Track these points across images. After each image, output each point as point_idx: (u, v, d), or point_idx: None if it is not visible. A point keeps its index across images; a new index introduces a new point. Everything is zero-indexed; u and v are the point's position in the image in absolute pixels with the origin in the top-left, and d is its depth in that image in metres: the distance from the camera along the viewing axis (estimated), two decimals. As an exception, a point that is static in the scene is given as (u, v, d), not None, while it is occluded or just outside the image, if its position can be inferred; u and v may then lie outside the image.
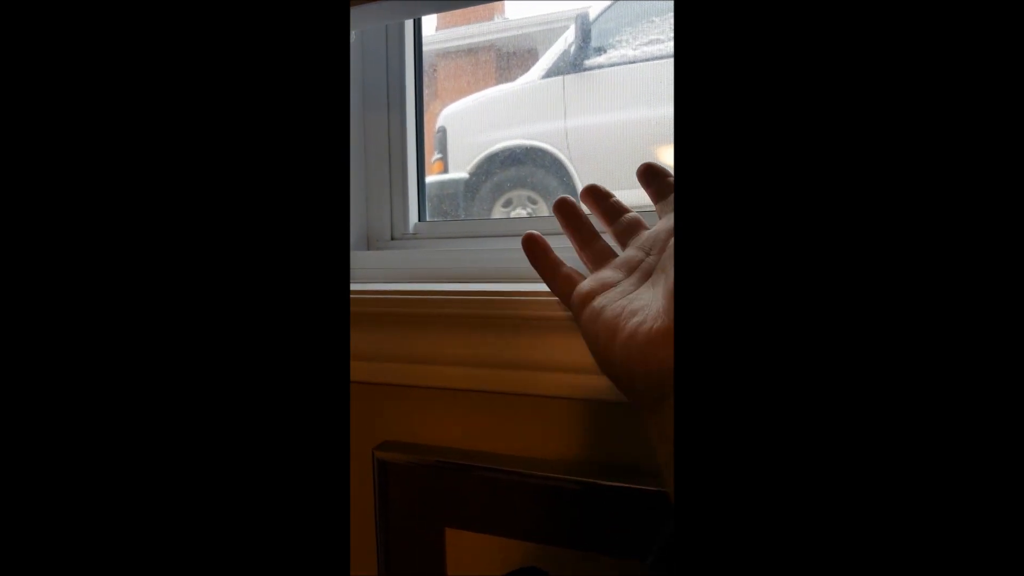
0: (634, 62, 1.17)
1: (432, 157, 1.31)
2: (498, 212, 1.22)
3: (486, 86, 1.26)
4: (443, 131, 1.28)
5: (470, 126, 1.28)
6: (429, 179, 1.36)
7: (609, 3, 1.17)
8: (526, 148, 1.20)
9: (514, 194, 1.21)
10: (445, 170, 1.29)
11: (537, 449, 0.46)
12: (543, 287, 0.44)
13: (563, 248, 0.45)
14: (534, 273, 0.41)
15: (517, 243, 0.53)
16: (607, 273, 0.36)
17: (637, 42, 1.25)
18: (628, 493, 0.40)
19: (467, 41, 1.25)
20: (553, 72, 1.20)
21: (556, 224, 0.52)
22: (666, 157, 1.03)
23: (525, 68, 1.25)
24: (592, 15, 1.21)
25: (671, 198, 0.40)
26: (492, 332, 0.46)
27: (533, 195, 1.20)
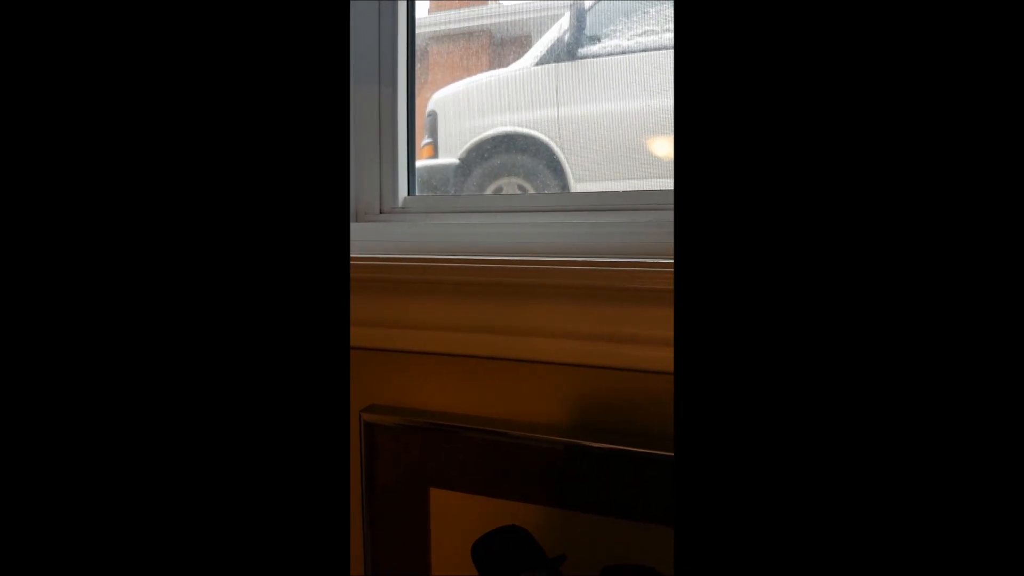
0: (628, 52, 1.19)
1: (422, 141, 1.32)
2: (488, 198, 1.24)
3: (478, 71, 1.27)
4: (434, 115, 1.29)
5: (461, 111, 1.29)
6: (419, 164, 1.36)
7: (603, -8, 1.18)
8: (517, 135, 1.21)
9: (504, 181, 1.23)
10: (435, 155, 1.30)
11: (524, 412, 0.48)
12: (534, 256, 0.46)
13: (555, 224, 0.46)
14: (523, 248, 0.42)
15: (506, 219, 0.55)
16: None
17: (631, 32, 1.27)
18: (613, 455, 0.42)
19: (460, 25, 1.27)
20: (547, 59, 1.22)
21: (545, 201, 0.53)
22: (656, 148, 1.05)
23: (518, 54, 1.27)
24: (587, 3, 1.23)
25: None
26: (480, 298, 0.47)
27: (523, 183, 1.21)
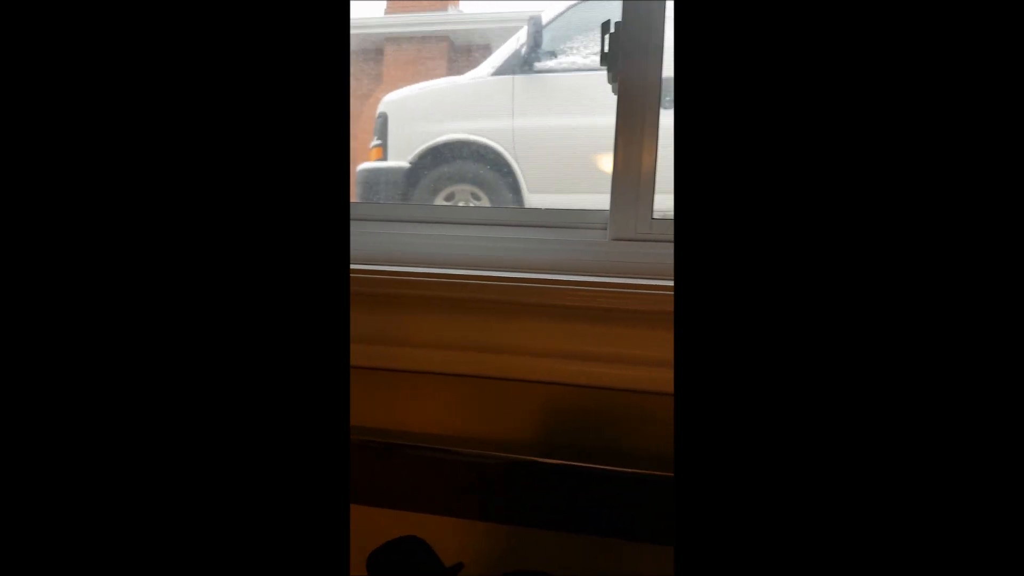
0: (582, 70, 1.22)
1: (371, 143, 1.28)
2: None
3: (435, 76, 1.26)
4: (384, 117, 1.26)
5: (414, 115, 1.27)
6: (367, 165, 1.32)
7: (562, 9, 1.21)
8: (472, 143, 1.21)
9: (457, 188, 1.22)
10: (384, 157, 1.27)
11: (504, 431, 0.47)
12: (514, 273, 0.46)
13: (527, 239, 0.46)
14: (475, 259, 0.41)
15: (455, 231, 0.55)
16: None
17: (587, 51, 1.30)
18: (599, 474, 0.42)
19: (418, 28, 1.25)
20: (504, 70, 1.22)
21: (496, 215, 0.53)
22: (605, 165, 1.08)
23: (476, 63, 1.27)
24: (545, 19, 1.24)
25: None
26: (463, 314, 0.47)
27: (477, 191, 1.21)
